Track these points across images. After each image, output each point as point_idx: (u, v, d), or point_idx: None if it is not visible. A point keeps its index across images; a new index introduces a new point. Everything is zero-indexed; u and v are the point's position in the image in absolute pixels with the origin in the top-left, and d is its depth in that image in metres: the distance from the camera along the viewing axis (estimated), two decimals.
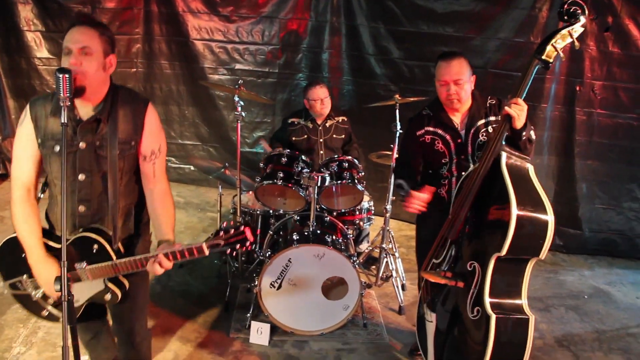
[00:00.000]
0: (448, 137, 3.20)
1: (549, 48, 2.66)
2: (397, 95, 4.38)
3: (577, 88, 5.34)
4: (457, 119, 3.22)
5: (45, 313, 2.57)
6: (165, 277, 4.59)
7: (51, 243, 2.41)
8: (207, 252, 2.26)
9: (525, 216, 2.53)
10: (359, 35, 5.94)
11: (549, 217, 2.56)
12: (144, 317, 2.77)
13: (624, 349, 4.04)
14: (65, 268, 2.05)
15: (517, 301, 2.69)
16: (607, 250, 5.70)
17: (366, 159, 5.10)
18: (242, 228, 2.28)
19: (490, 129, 3.15)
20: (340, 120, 4.83)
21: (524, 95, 2.73)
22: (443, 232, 2.93)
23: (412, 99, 4.48)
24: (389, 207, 4.54)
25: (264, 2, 6.13)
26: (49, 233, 2.47)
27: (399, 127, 4.32)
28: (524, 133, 2.81)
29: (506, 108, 2.72)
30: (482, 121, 3.18)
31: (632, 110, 5.31)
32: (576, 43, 2.66)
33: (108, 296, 2.45)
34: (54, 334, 3.68)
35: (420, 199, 3.05)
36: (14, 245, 2.44)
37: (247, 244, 2.28)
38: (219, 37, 6.30)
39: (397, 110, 4.37)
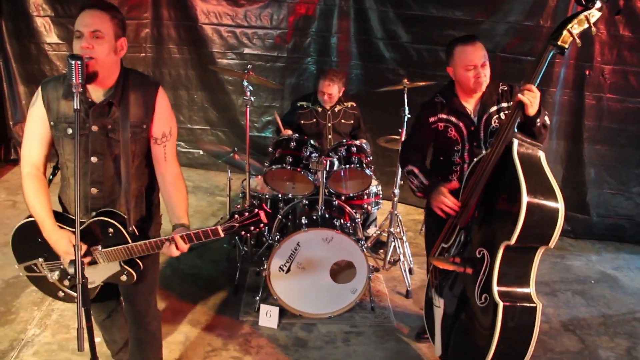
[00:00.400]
0: (461, 124, 3.16)
1: (564, 33, 2.58)
2: (405, 80, 4.38)
3: (587, 72, 5.31)
4: (470, 105, 3.18)
5: (61, 294, 2.63)
6: (175, 260, 4.65)
7: (66, 227, 2.45)
8: (222, 234, 2.33)
9: (536, 205, 2.51)
10: (368, 19, 5.92)
11: (560, 206, 2.54)
12: (153, 299, 2.82)
13: (629, 333, 4.07)
14: (80, 251, 2.09)
15: (525, 289, 2.69)
16: (614, 235, 5.70)
17: (374, 144, 5.11)
18: (256, 210, 2.32)
19: (502, 115, 3.11)
20: (349, 106, 4.84)
21: (538, 81, 2.68)
22: (452, 219, 2.93)
23: (420, 84, 4.48)
24: (396, 191, 4.57)
25: None
26: (62, 216, 2.51)
27: (407, 111, 4.33)
28: (538, 119, 2.76)
29: (519, 95, 2.68)
30: (494, 108, 3.14)
31: None
32: (593, 28, 2.56)
33: (124, 277, 2.51)
34: (68, 316, 3.75)
35: (454, 204, 2.91)
36: (29, 229, 2.49)
37: (262, 225, 2.33)
38: (227, 21, 6.29)
39: (406, 95, 4.37)
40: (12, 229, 2.57)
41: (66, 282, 2.58)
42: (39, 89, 2.39)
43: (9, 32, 6.31)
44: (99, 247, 2.40)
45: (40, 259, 2.53)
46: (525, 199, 2.49)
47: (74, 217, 2.44)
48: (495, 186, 2.73)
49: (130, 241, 2.41)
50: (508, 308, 2.62)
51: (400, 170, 4.46)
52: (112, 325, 2.96)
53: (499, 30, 5.44)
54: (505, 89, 3.18)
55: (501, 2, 5.38)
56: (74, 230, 2.31)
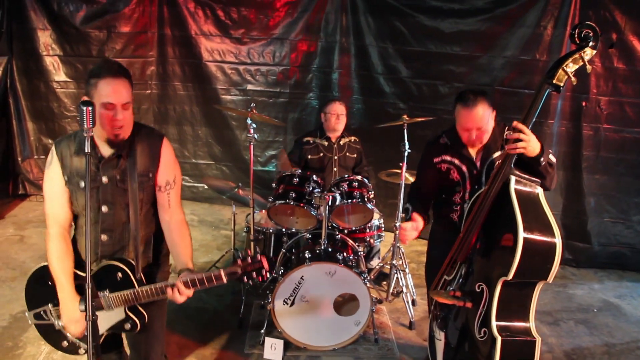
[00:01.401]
0: (464, 167, 3.21)
1: (559, 72, 2.61)
2: (405, 116, 4.48)
3: (584, 104, 5.42)
4: (473, 150, 3.21)
5: (65, 344, 2.67)
6: None
7: (78, 272, 2.54)
8: (225, 280, 2.38)
9: (532, 241, 2.51)
10: (368, 55, 6.08)
11: (557, 242, 2.54)
12: (160, 346, 2.84)
13: None
14: (90, 287, 2.15)
15: (525, 324, 2.68)
16: (616, 264, 5.74)
17: (376, 177, 5.20)
18: (258, 257, 2.38)
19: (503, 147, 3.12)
20: (352, 140, 4.96)
21: (531, 123, 2.66)
22: (452, 253, 2.94)
23: (419, 119, 4.58)
24: (398, 224, 4.62)
25: (274, 24, 6.28)
26: (77, 262, 2.58)
27: (407, 146, 4.41)
28: (542, 159, 2.73)
29: (507, 147, 2.68)
30: (498, 153, 3.15)
31: (638, 124, 5.39)
32: (588, 66, 2.58)
33: (128, 325, 2.56)
34: None
35: (404, 230, 3.13)
36: (43, 274, 2.57)
37: (264, 272, 2.39)
38: (231, 58, 6.46)
39: (405, 130, 4.47)
40: (29, 274, 2.64)
41: (80, 335, 2.60)
42: (53, 148, 2.50)
43: (19, 71, 6.48)
44: (106, 292, 2.45)
45: (50, 305, 2.60)
46: (521, 235, 2.50)
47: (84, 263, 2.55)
48: (494, 222, 2.75)
49: (136, 286, 2.47)
50: (506, 342, 2.61)
51: (402, 203, 4.53)
52: None
53: (496, 64, 5.58)
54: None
55: (498, 38, 5.53)
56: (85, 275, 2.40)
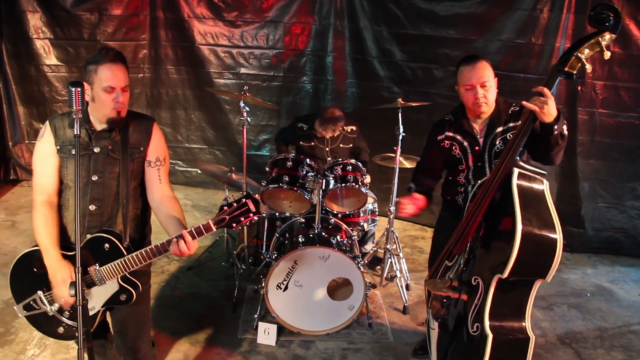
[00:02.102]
0: (466, 143, 3.16)
1: (572, 59, 2.46)
2: (399, 99, 4.44)
3: (579, 88, 5.39)
4: (477, 125, 3.15)
5: (61, 330, 2.65)
6: (174, 279, 4.69)
7: (65, 252, 2.51)
8: (214, 228, 2.39)
9: (531, 239, 2.38)
10: (362, 38, 6.02)
11: (558, 238, 2.42)
12: (145, 333, 2.84)
13: (625, 346, 4.09)
14: (80, 274, 2.14)
15: (519, 323, 2.59)
16: (610, 249, 5.75)
17: (370, 161, 5.18)
18: (243, 200, 2.40)
19: (508, 136, 3.05)
20: (349, 130, 4.91)
21: (553, 88, 2.52)
22: (449, 245, 2.85)
23: (414, 104, 4.54)
24: (392, 208, 4.61)
25: (268, 6, 6.20)
26: (62, 241, 2.56)
27: (401, 130, 4.38)
28: (555, 127, 2.61)
29: (524, 102, 2.55)
30: (501, 128, 3.08)
31: (633, 109, 5.35)
32: (606, 52, 2.40)
33: (123, 296, 2.56)
34: None
35: (402, 203, 3.14)
36: (25, 263, 2.57)
37: (251, 215, 2.40)
38: (224, 42, 6.38)
39: (400, 114, 4.43)
40: (10, 267, 2.62)
41: (66, 313, 2.60)
42: (47, 123, 2.57)
43: (8, 54, 6.41)
44: (96, 266, 2.46)
45: (40, 292, 2.57)
46: (519, 232, 2.37)
47: (72, 240, 2.53)
48: (495, 212, 2.63)
49: (126, 254, 2.48)
50: (498, 340, 2.52)
51: (396, 187, 4.52)
52: (103, 357, 2.97)
53: (492, 48, 5.53)
54: (517, 109, 3.11)
55: (493, 21, 5.47)
56: (72, 254, 2.39)
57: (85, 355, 2.18)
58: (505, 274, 2.42)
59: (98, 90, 2.44)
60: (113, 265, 2.47)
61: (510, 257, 2.38)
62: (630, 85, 5.31)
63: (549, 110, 2.55)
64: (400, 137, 4.39)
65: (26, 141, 6.72)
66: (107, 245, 2.49)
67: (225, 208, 2.39)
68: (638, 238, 5.70)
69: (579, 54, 2.45)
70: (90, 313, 2.54)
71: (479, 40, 5.55)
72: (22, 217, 5.74)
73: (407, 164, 4.60)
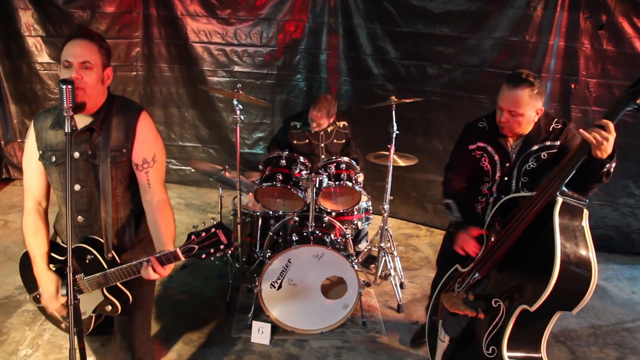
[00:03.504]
0: (497, 157, 3.02)
1: None
2: (393, 97, 4.43)
3: (572, 86, 5.39)
4: (512, 140, 3.00)
5: (63, 325, 2.64)
6: (168, 278, 4.66)
7: (56, 255, 2.49)
8: (182, 258, 2.21)
9: (568, 277, 2.29)
10: (356, 35, 6.00)
11: (593, 278, 2.31)
12: (145, 333, 2.80)
13: (619, 343, 4.11)
14: (71, 273, 2.11)
15: (536, 355, 2.52)
16: (603, 246, 5.74)
17: (364, 159, 5.17)
18: (212, 230, 2.17)
19: (542, 155, 2.91)
20: (341, 126, 4.90)
21: (616, 120, 2.35)
22: (474, 265, 2.75)
23: (407, 100, 4.54)
24: (387, 206, 4.60)
25: (261, 4, 6.18)
26: (54, 245, 2.53)
27: (395, 127, 4.38)
28: (607, 165, 2.44)
29: (583, 131, 2.35)
30: (536, 147, 2.92)
31: None
32: None
33: (108, 307, 2.50)
34: (60, 336, 3.75)
35: (474, 244, 2.81)
36: (28, 259, 2.51)
37: (221, 246, 2.18)
38: (217, 39, 6.35)
39: (394, 112, 4.43)
40: (19, 258, 2.60)
41: (64, 313, 2.57)
42: (32, 121, 2.45)
43: (0, 52, 6.34)
44: (82, 275, 2.39)
45: (41, 289, 2.54)
46: (557, 270, 2.27)
47: (63, 245, 2.50)
48: (526, 241, 2.51)
49: (106, 267, 2.39)
50: None
51: (390, 185, 4.51)
52: (105, 352, 2.96)
53: (486, 45, 5.52)
54: (559, 127, 2.94)
55: (487, 18, 5.47)
56: (63, 258, 2.39)
57: (77, 356, 2.16)
58: (534, 308, 2.35)
59: (61, 70, 2.29)
60: (94, 278, 2.39)
61: (544, 294, 2.29)
62: (623, 83, 5.31)
63: (607, 148, 2.37)
64: (394, 135, 4.38)
65: (18, 140, 6.66)
66: (89, 256, 2.40)
67: (193, 237, 2.17)
68: (631, 236, 5.72)
69: None
70: (84, 317, 2.51)
71: (473, 37, 5.54)
72: (14, 216, 5.70)
73: (401, 162, 4.59)
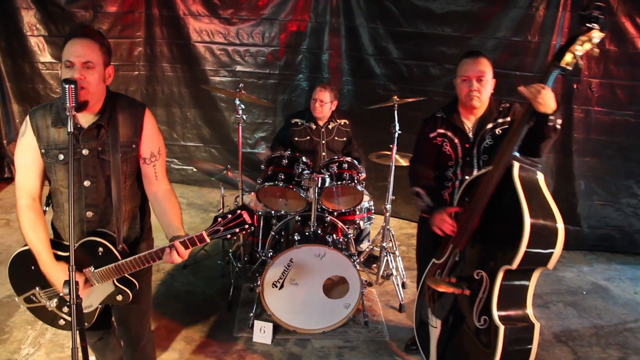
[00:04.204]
0: (457, 140, 3.20)
1: (567, 55, 2.57)
2: (395, 97, 4.43)
3: (575, 86, 5.39)
4: (469, 122, 3.21)
5: (61, 322, 2.64)
6: (169, 278, 4.67)
7: (59, 252, 2.47)
8: (208, 240, 2.29)
9: (537, 229, 2.49)
10: (359, 35, 6.00)
11: (560, 227, 2.54)
12: (147, 322, 2.83)
13: (621, 344, 4.10)
14: (74, 273, 2.12)
15: (524, 310, 2.70)
16: (605, 246, 5.75)
17: (366, 159, 5.17)
18: (238, 212, 2.29)
19: (497, 131, 3.12)
20: (342, 123, 4.89)
21: (549, 83, 2.62)
22: (451, 241, 2.91)
23: (410, 100, 4.53)
24: (388, 206, 4.60)
25: (263, 4, 6.19)
26: (56, 243, 2.53)
27: (397, 127, 4.37)
28: (551, 117, 2.67)
29: (520, 88, 2.63)
30: (490, 125, 3.16)
31: (628, 107, 5.36)
32: (596, 50, 2.55)
33: (120, 297, 2.52)
34: (62, 335, 3.75)
35: (450, 222, 2.94)
36: (23, 259, 2.51)
37: (246, 226, 2.29)
38: (219, 39, 6.36)
39: (396, 111, 4.42)
40: (8, 261, 2.59)
41: (65, 309, 2.58)
42: (27, 118, 2.42)
43: (2, 51, 6.37)
44: (91, 268, 2.41)
45: (37, 288, 2.54)
46: (528, 223, 2.47)
47: (66, 243, 2.49)
48: (494, 208, 2.71)
49: (120, 258, 2.42)
50: (509, 331, 2.61)
51: (392, 185, 4.51)
52: (104, 347, 2.97)
53: (488, 45, 5.52)
54: (507, 105, 3.20)
55: (490, 19, 5.47)
56: (67, 254, 2.35)
57: (80, 355, 2.16)
58: (515, 265, 2.53)
59: (63, 70, 2.30)
60: (107, 269, 2.41)
61: (520, 248, 2.48)
62: (626, 83, 5.32)
63: (544, 100, 2.62)
64: (396, 135, 4.38)
65: (16, 150, 6.65)
66: (100, 249, 2.43)
67: (220, 219, 2.29)
68: (633, 236, 5.71)
69: (573, 51, 2.55)
70: (88, 310, 2.53)
71: (475, 38, 5.55)
72: (16, 215, 5.69)
73: (403, 162, 4.59)
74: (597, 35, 2.50)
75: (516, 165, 2.63)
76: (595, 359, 3.91)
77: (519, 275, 2.64)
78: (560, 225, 2.54)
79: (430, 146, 3.28)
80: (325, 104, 4.70)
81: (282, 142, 4.85)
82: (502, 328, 2.61)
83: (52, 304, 2.56)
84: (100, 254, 2.43)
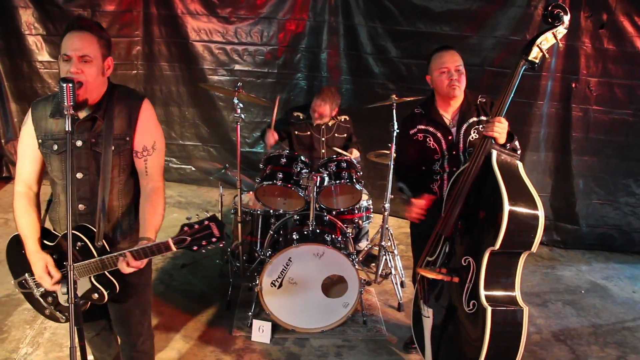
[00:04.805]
0: (439, 134, 3.27)
1: (534, 49, 2.75)
2: (394, 96, 4.42)
3: (573, 85, 5.40)
4: (448, 115, 3.29)
5: (47, 312, 2.64)
6: (168, 277, 4.67)
7: (47, 242, 2.46)
8: (173, 248, 2.20)
9: (517, 211, 2.62)
10: (357, 34, 6.00)
11: (539, 212, 2.67)
12: (146, 319, 2.81)
13: (619, 342, 4.10)
14: (72, 271, 2.11)
15: (511, 293, 2.79)
16: (604, 245, 5.76)
17: (364, 158, 5.17)
18: (206, 223, 2.19)
19: (482, 127, 3.19)
20: (342, 120, 4.89)
21: (505, 111, 2.81)
22: (437, 229, 3.00)
23: (408, 99, 4.53)
24: (387, 205, 4.60)
25: (262, 2, 6.18)
26: (46, 232, 2.51)
27: (396, 126, 4.37)
28: (508, 145, 2.89)
29: (486, 131, 2.81)
30: (474, 119, 3.25)
31: (627, 106, 5.37)
32: (560, 44, 2.78)
33: (95, 295, 2.46)
34: (60, 334, 3.75)
35: (419, 207, 3.16)
36: (18, 243, 2.50)
37: (213, 239, 2.20)
38: (218, 38, 6.36)
39: (395, 110, 4.42)
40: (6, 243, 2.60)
41: (49, 299, 2.58)
42: (30, 108, 2.43)
43: (0, 51, 6.35)
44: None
45: (27, 274, 2.54)
46: (507, 205, 2.60)
47: (57, 234, 2.49)
48: (477, 196, 2.84)
49: (95, 255, 2.37)
50: (496, 312, 2.69)
51: (390, 184, 4.51)
52: (101, 342, 2.95)
53: (487, 44, 5.52)
54: (484, 101, 3.30)
55: (488, 17, 5.47)
56: (54, 244, 2.40)
57: (78, 354, 2.16)
58: (497, 245, 2.64)
59: (61, 63, 2.28)
60: (82, 265, 2.37)
61: (501, 229, 2.61)
62: (624, 82, 5.33)
63: (504, 135, 2.83)
64: (395, 134, 4.37)
65: (19, 138, 6.65)
66: (79, 243, 2.38)
67: (186, 228, 2.19)
68: (632, 235, 5.72)
69: (539, 45, 2.75)
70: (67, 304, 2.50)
71: (474, 36, 5.55)
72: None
73: (394, 158, 4.58)
74: (561, 30, 2.74)
75: (494, 153, 2.77)
76: (594, 357, 3.91)
77: (504, 256, 2.74)
78: (540, 211, 2.67)
79: (411, 143, 3.37)
80: (325, 115, 4.71)
81: (278, 130, 4.80)
82: (489, 309, 2.68)
83: (38, 292, 2.56)
84: (77, 248, 2.39)
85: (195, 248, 2.21)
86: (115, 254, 2.31)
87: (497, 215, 2.62)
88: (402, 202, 3.39)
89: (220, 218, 4.69)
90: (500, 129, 2.79)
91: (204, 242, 2.20)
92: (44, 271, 2.36)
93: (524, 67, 2.79)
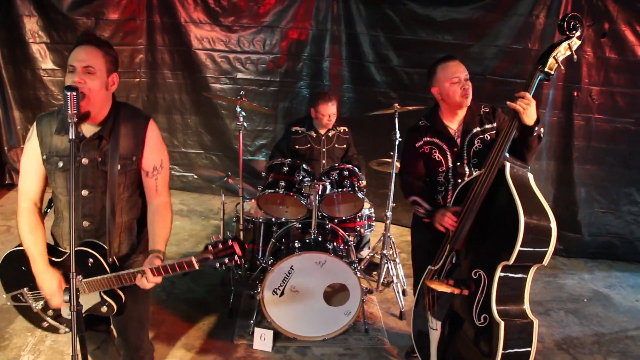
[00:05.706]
0: (445, 146, 3.23)
1: (550, 60, 2.72)
2: (396, 104, 4.44)
3: (575, 94, 5.41)
4: (453, 126, 3.26)
5: (45, 324, 2.64)
6: (170, 284, 4.67)
7: (53, 258, 2.49)
8: (197, 266, 2.29)
9: (532, 225, 2.58)
10: (359, 43, 6.02)
11: (552, 225, 2.64)
12: (145, 332, 2.83)
13: (622, 351, 4.09)
14: (75, 279, 2.12)
15: (522, 306, 2.76)
16: (606, 254, 5.75)
17: (366, 166, 5.17)
18: (229, 242, 2.29)
19: (486, 137, 3.19)
20: (342, 130, 4.89)
21: (532, 92, 2.76)
22: (448, 241, 2.96)
23: (410, 108, 4.54)
24: (389, 213, 4.60)
25: (265, 11, 6.21)
26: (52, 248, 2.53)
27: (398, 135, 4.38)
28: (535, 128, 2.80)
29: (509, 102, 2.75)
30: (478, 129, 3.22)
31: (629, 114, 5.38)
32: (574, 56, 2.74)
33: (104, 308, 2.51)
34: (62, 342, 3.75)
35: (451, 215, 2.96)
36: (17, 258, 2.52)
37: (236, 257, 2.29)
38: (220, 46, 6.39)
39: (397, 119, 4.43)
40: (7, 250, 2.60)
41: (50, 312, 2.59)
42: (35, 123, 2.45)
43: (4, 58, 6.40)
44: (80, 277, 2.39)
45: (25, 289, 2.56)
46: (522, 220, 2.56)
47: (64, 250, 2.51)
48: (489, 208, 2.79)
49: (108, 271, 2.42)
50: (509, 326, 2.66)
51: (392, 192, 4.51)
52: (103, 355, 2.95)
53: (488, 53, 5.54)
54: (488, 110, 3.28)
55: (490, 27, 5.49)
56: (60, 260, 2.40)
57: None
58: (512, 260, 2.59)
59: (67, 75, 2.32)
60: (94, 281, 2.41)
61: (516, 244, 2.56)
62: (626, 90, 5.34)
63: (531, 113, 2.76)
64: (397, 143, 4.39)
65: (22, 145, 6.67)
66: (91, 260, 2.43)
67: (210, 247, 2.29)
68: (634, 243, 5.71)
69: (555, 56, 2.73)
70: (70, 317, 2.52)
71: (476, 45, 5.57)
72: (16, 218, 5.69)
73: (399, 170, 4.59)
74: (576, 42, 2.72)
75: (507, 165, 2.74)
76: None
77: (516, 270, 2.71)
78: (553, 224, 2.63)
79: (417, 156, 3.31)
80: (334, 115, 4.71)
81: (281, 151, 4.85)
82: (502, 324, 2.65)
83: (38, 305, 2.57)
84: (90, 264, 2.43)
85: (217, 265, 2.30)
86: (133, 270, 2.36)
87: (512, 231, 2.57)
88: (424, 216, 3.22)
89: (222, 226, 4.74)
90: (524, 103, 2.72)
91: (226, 260, 2.30)
92: (59, 289, 2.39)
93: (539, 78, 2.76)
